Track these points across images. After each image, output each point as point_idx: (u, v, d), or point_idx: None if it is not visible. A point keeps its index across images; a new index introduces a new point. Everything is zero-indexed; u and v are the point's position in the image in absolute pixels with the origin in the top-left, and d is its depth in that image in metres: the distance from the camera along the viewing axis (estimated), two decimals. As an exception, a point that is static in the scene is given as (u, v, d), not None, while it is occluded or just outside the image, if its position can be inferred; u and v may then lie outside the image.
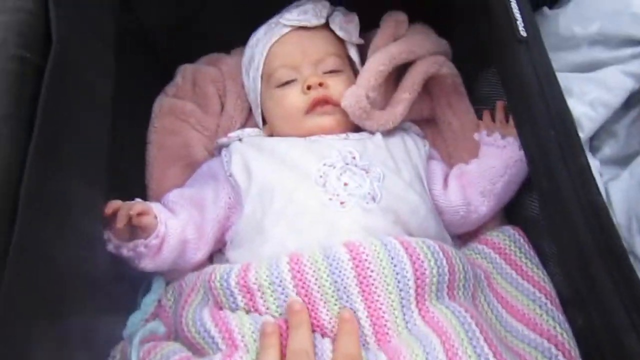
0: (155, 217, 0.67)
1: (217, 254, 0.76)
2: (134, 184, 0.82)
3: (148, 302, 0.71)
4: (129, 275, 0.71)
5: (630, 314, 0.41)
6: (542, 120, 0.50)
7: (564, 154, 0.47)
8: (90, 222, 0.59)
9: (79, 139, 0.53)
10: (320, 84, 0.74)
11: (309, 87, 0.74)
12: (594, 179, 0.45)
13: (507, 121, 0.79)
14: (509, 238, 0.73)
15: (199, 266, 0.72)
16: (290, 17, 0.78)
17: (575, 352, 0.58)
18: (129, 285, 0.73)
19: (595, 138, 0.83)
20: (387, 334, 0.57)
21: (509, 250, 0.72)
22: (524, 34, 0.53)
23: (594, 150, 0.83)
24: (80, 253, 0.55)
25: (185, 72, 0.89)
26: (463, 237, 0.79)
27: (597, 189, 0.44)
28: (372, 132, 0.76)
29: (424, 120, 0.87)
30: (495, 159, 0.76)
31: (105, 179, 0.61)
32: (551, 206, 0.49)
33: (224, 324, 0.58)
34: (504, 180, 0.75)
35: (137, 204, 0.66)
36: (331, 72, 0.77)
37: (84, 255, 0.57)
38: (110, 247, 0.65)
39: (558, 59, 0.82)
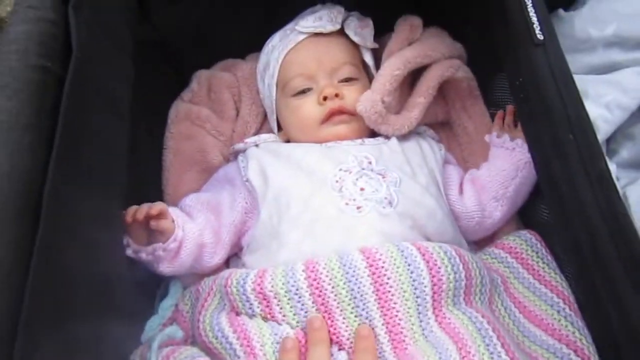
0: (173, 221, 0.68)
1: (233, 258, 0.77)
2: (151, 189, 0.83)
3: (165, 307, 0.72)
4: (146, 280, 0.72)
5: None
6: (559, 123, 0.49)
7: (583, 158, 0.47)
8: (109, 229, 0.60)
9: (99, 147, 0.54)
10: (337, 95, 0.75)
11: (325, 98, 0.75)
12: (614, 183, 0.44)
13: (516, 126, 0.78)
14: (525, 242, 0.72)
15: (216, 270, 0.72)
16: (306, 23, 0.78)
17: (595, 358, 0.58)
18: (146, 290, 0.74)
19: (613, 141, 0.82)
20: (404, 341, 0.57)
21: (525, 255, 0.71)
22: (540, 37, 0.52)
23: (611, 153, 0.83)
24: (100, 259, 0.56)
25: (200, 78, 0.90)
26: (479, 242, 0.78)
27: (618, 194, 0.43)
28: (387, 137, 0.76)
29: (438, 124, 0.86)
30: (505, 162, 0.76)
31: (125, 186, 0.62)
32: (569, 210, 0.49)
33: (242, 330, 0.59)
34: (515, 183, 0.74)
35: (158, 204, 0.66)
36: (346, 80, 0.77)
37: (104, 261, 0.57)
38: (129, 252, 0.66)
39: (573, 61, 0.81)
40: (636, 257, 0.41)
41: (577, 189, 0.46)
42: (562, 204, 0.51)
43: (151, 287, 0.75)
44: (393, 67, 0.74)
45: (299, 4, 0.83)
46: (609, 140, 0.82)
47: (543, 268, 0.69)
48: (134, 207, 0.65)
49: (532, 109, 0.54)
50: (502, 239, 0.74)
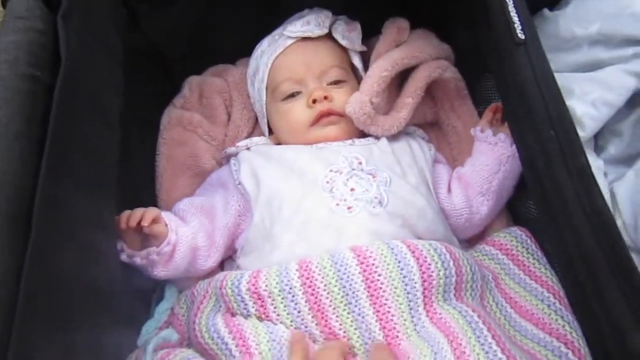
0: (166, 225, 0.69)
1: (228, 260, 0.77)
2: (145, 195, 0.83)
3: (161, 311, 0.73)
4: (142, 285, 0.73)
5: (635, 314, 0.41)
6: (542, 121, 0.50)
7: (564, 153, 0.48)
8: (102, 234, 0.60)
9: (89, 154, 0.55)
10: (325, 97, 0.75)
11: (314, 101, 0.76)
12: (594, 179, 0.45)
13: (504, 122, 0.79)
14: (515, 239, 0.73)
15: (210, 273, 0.73)
16: (294, 28, 0.79)
17: (584, 350, 0.58)
18: (142, 295, 0.75)
19: (600, 137, 0.83)
20: (397, 337, 0.58)
21: (516, 251, 0.72)
22: (522, 36, 0.53)
23: (599, 149, 0.84)
24: (93, 264, 0.57)
25: (192, 84, 0.90)
26: (471, 240, 0.79)
27: (598, 188, 0.44)
28: (377, 138, 0.77)
29: (428, 124, 0.87)
30: (487, 156, 0.77)
31: (116, 191, 0.62)
32: (552, 205, 0.50)
33: (237, 330, 0.60)
34: (499, 177, 0.76)
35: (151, 210, 0.67)
36: (335, 83, 0.78)
37: (97, 266, 0.58)
38: (124, 257, 0.67)
39: (559, 60, 0.82)
40: (617, 251, 0.42)
41: (560, 185, 0.47)
42: (546, 200, 0.52)
43: (147, 291, 0.76)
44: (381, 68, 0.75)
45: (289, 10, 0.84)
46: (596, 137, 0.83)
47: (533, 264, 0.70)
48: (127, 213, 0.66)
49: (515, 107, 0.55)
50: (493, 236, 0.75)
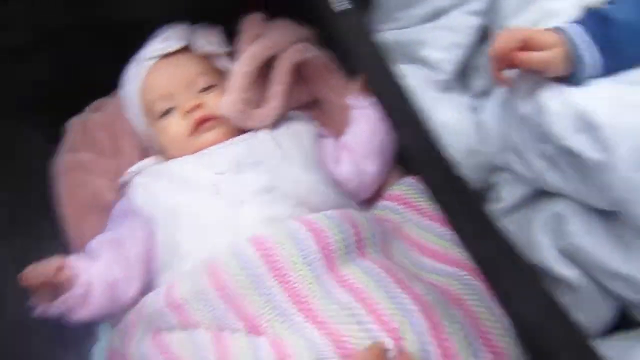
0: (73, 268, 0.69)
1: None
2: (57, 245, 0.83)
3: (99, 351, 0.74)
4: (73, 332, 0.73)
5: (481, 223, 0.47)
6: (376, 77, 0.55)
7: (400, 97, 0.53)
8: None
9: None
10: (198, 105, 0.78)
11: (188, 112, 0.78)
12: (420, 116, 0.50)
13: None
14: (409, 187, 0.79)
15: (136, 303, 0.74)
16: (153, 48, 0.82)
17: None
18: (77, 340, 0.75)
19: (465, 76, 0.90)
20: (311, 309, 0.60)
21: (411, 199, 0.78)
22: (340, 7, 0.58)
23: (468, 88, 0.90)
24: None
25: (74, 126, 0.90)
26: (370, 200, 0.84)
27: (424, 124, 0.49)
28: (257, 131, 0.81)
29: (310, 105, 0.91)
30: (363, 121, 0.82)
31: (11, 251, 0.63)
32: (408, 145, 0.55)
33: (163, 345, 0.62)
34: (377, 137, 0.81)
35: (52, 261, 0.67)
36: (205, 89, 0.81)
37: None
38: (38, 312, 0.67)
39: (408, 16, 0.89)
40: (437, 158, 0.47)
41: (400, 122, 0.53)
42: (404, 140, 0.57)
43: (82, 336, 0.76)
44: (242, 65, 0.78)
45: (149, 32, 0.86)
46: (464, 76, 0.90)
47: (428, 205, 0.76)
48: (29, 269, 0.66)
49: (357, 71, 0.59)
50: (388, 190, 0.81)
